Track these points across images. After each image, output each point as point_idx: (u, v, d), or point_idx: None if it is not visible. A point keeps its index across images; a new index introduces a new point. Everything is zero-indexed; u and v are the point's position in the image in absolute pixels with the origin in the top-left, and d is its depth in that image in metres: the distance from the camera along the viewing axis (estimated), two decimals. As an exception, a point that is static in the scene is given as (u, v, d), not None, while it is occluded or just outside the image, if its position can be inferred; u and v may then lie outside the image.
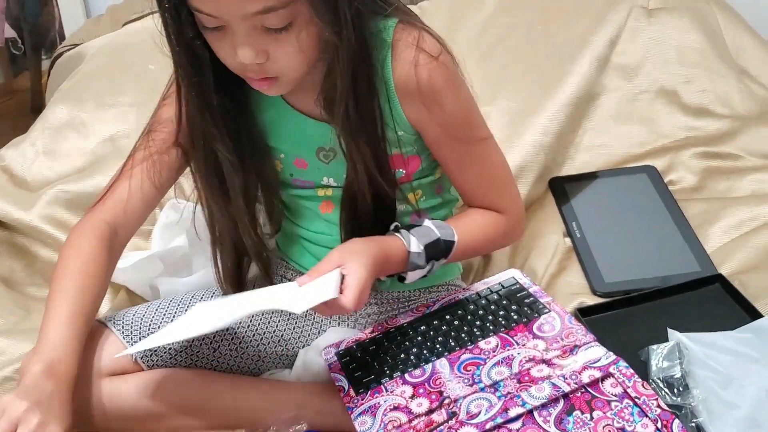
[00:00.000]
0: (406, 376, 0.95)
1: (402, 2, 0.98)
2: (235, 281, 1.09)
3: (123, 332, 1.01)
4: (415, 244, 0.97)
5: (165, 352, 1.02)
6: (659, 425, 0.83)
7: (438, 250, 0.98)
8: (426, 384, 0.93)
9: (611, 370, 0.89)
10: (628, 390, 0.87)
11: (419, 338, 1.01)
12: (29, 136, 1.47)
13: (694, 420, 0.89)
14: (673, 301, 1.11)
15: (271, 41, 0.85)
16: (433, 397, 0.91)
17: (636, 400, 0.86)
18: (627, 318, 1.09)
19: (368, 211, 1.00)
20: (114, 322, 1.02)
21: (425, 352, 0.98)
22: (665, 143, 1.43)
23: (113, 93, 1.51)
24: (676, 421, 0.83)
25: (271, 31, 0.84)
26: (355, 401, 0.94)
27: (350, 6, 0.85)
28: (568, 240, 1.27)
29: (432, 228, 0.99)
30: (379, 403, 0.92)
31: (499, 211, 1.05)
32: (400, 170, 1.02)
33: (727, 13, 1.60)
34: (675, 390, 0.93)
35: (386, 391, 0.94)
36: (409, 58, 0.93)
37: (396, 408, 0.91)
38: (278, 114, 1.02)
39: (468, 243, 1.02)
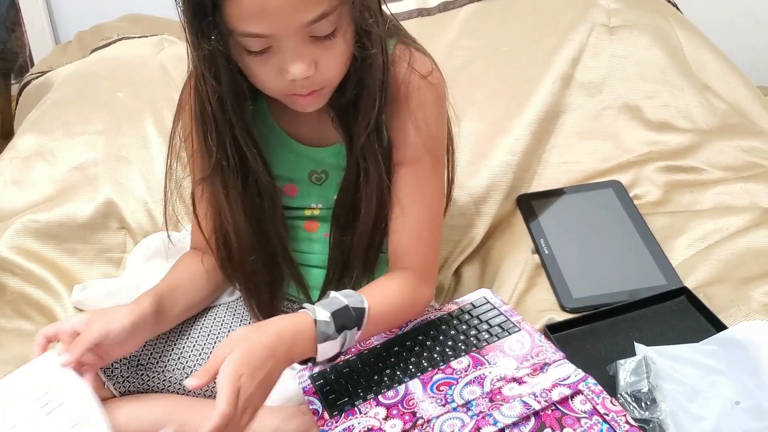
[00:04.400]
0: (380, 397, 0.96)
1: (399, 24, 1.02)
2: (271, 310, 1.09)
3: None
4: (321, 312, 0.90)
5: (137, 378, 1.02)
6: None
7: (348, 318, 0.91)
8: (399, 405, 0.94)
9: (581, 387, 0.91)
10: (597, 407, 0.88)
11: (392, 359, 1.01)
12: (-3, 166, 1.46)
13: (662, 433, 0.90)
14: (640, 314, 1.12)
15: (318, 51, 0.86)
16: (407, 417, 0.91)
17: (605, 416, 0.87)
18: (595, 333, 1.10)
19: (374, 223, 1.01)
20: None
21: (398, 373, 0.99)
22: (630, 158, 1.45)
23: (81, 121, 1.50)
24: None
25: (317, 40, 0.85)
26: (330, 424, 0.94)
27: (379, 4, 0.89)
28: (536, 257, 1.28)
29: (339, 297, 0.93)
30: (353, 425, 0.93)
31: (416, 265, 1.01)
32: None
33: (687, 29, 1.63)
34: (643, 404, 0.94)
35: (360, 413, 0.94)
36: (399, 76, 0.96)
37: (370, 430, 0.91)
38: (275, 141, 1.04)
39: (379, 312, 0.95)
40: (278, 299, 1.10)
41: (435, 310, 1.11)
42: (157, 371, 1.03)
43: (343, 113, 0.96)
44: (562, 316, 1.15)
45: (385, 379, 0.98)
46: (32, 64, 2.42)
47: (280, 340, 0.87)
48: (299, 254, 1.10)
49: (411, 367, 0.99)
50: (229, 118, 0.93)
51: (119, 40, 1.72)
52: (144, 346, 1.04)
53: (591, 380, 0.91)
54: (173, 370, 1.04)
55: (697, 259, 1.21)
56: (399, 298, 0.99)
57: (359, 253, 1.03)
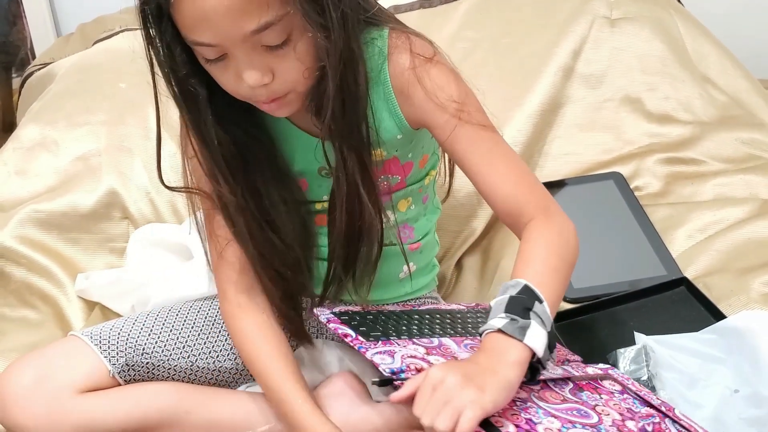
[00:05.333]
0: (415, 339, 0.91)
1: (388, 10, 1.00)
2: (292, 319, 1.06)
3: (101, 347, 1.01)
4: (496, 321, 0.81)
5: (142, 367, 1.03)
6: (663, 409, 0.85)
7: (520, 301, 0.82)
8: (438, 349, 0.89)
9: (610, 372, 0.92)
10: (628, 386, 0.89)
11: (417, 317, 0.99)
12: (0, 157, 1.46)
13: (661, 420, 0.91)
14: (641, 304, 1.13)
15: (273, 59, 0.86)
16: (449, 358, 0.87)
17: (637, 393, 0.88)
18: (596, 322, 1.11)
19: (351, 226, 0.99)
20: (91, 337, 1.02)
21: (427, 330, 0.95)
22: (631, 150, 1.45)
23: (84, 112, 1.50)
24: (677, 409, 0.86)
25: (271, 49, 0.85)
26: (368, 345, 0.87)
27: (336, 8, 0.85)
28: (538, 247, 1.29)
29: (496, 299, 0.85)
30: (394, 350, 0.86)
31: (533, 209, 0.92)
32: (396, 177, 1.03)
33: (688, 22, 1.63)
34: (642, 392, 0.95)
35: (398, 345, 0.87)
36: (405, 63, 0.94)
37: (414, 357, 0.85)
38: (286, 133, 1.02)
39: (541, 266, 0.87)
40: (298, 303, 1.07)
41: (444, 303, 1.10)
42: (162, 359, 1.04)
43: (318, 112, 0.93)
44: (563, 306, 1.15)
45: (415, 329, 0.95)
46: (34, 57, 2.42)
47: (475, 357, 0.81)
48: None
49: (437, 327, 0.96)
50: (187, 124, 0.94)
51: (122, 31, 1.72)
52: (149, 334, 1.04)
53: (616, 371, 0.93)
54: (178, 358, 1.05)
55: (696, 250, 1.22)
56: (545, 246, 0.88)
57: (346, 248, 1.01)
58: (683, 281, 1.14)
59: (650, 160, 1.43)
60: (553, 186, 1.41)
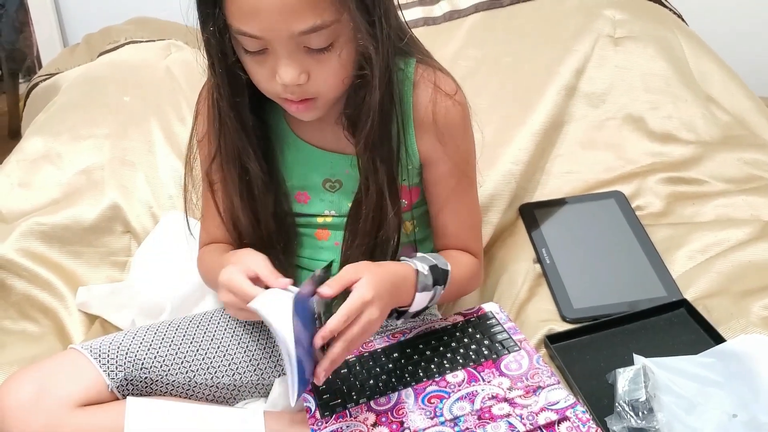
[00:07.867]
0: (372, 403, 0.97)
1: (419, 42, 1.04)
2: None
3: (100, 361, 1.01)
4: (420, 264, 0.98)
5: (140, 382, 1.03)
6: None
7: (438, 274, 0.99)
8: (389, 413, 0.95)
9: (568, 413, 0.91)
10: None
11: (390, 365, 1.02)
12: (4, 169, 1.47)
13: (659, 444, 0.91)
14: (640, 326, 1.12)
15: (312, 61, 0.88)
16: (394, 427, 0.92)
17: None
18: (595, 343, 1.11)
19: (371, 237, 1.02)
20: (90, 350, 1.02)
21: (393, 380, 0.99)
22: (632, 169, 1.45)
23: (88, 125, 1.51)
24: None
25: (312, 52, 0.87)
26: (320, 424, 0.96)
27: (383, 26, 0.89)
28: (538, 266, 1.29)
29: (427, 257, 1.01)
30: (341, 428, 0.94)
31: (478, 254, 1.11)
32: (403, 201, 1.05)
33: (692, 41, 1.63)
34: (640, 413, 0.94)
35: (350, 416, 0.95)
36: (428, 96, 0.99)
37: None
38: (288, 145, 1.05)
39: (456, 277, 1.03)
40: None
41: (440, 319, 1.11)
42: (160, 374, 1.04)
43: (353, 123, 0.97)
44: (563, 327, 1.15)
45: (380, 384, 0.99)
46: (40, 65, 2.44)
47: (396, 281, 0.93)
48: (306, 260, 1.11)
49: (407, 375, 1.00)
50: (226, 108, 0.97)
51: (127, 44, 1.74)
52: (148, 349, 1.04)
53: (579, 408, 0.92)
54: (176, 374, 1.05)
55: (697, 272, 1.21)
56: (469, 269, 1.09)
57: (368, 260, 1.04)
58: (683, 303, 1.14)
59: (652, 180, 1.43)
60: (554, 204, 1.41)
